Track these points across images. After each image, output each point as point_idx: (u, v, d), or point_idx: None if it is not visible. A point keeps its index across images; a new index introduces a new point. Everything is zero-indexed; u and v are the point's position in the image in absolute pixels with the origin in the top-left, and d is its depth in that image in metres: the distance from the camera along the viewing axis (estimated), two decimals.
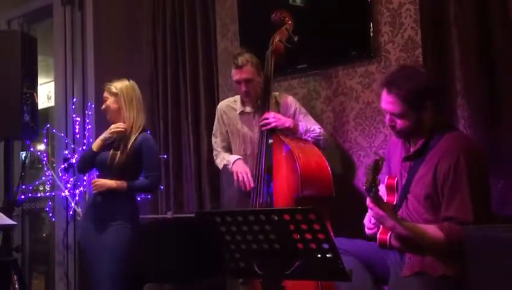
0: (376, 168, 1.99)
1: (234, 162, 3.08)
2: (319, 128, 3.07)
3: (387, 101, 2.19)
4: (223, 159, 3.19)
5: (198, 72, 4.11)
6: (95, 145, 2.99)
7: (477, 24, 2.76)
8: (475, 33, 2.77)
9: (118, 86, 3.00)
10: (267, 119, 2.93)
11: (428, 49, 2.97)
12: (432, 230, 2.05)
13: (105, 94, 3.02)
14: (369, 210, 2.14)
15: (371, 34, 3.23)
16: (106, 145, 2.98)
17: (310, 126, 3.04)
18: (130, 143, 2.92)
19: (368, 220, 2.37)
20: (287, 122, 2.95)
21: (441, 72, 2.90)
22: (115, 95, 2.99)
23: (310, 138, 3.00)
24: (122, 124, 2.97)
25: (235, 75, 3.07)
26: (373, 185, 2.00)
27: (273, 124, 2.92)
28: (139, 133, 2.97)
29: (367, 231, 2.32)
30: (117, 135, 2.96)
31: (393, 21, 3.18)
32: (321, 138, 3.03)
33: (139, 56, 4.51)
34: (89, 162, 3.01)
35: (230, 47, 3.91)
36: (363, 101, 3.30)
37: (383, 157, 2.16)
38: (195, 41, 4.13)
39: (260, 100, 3.09)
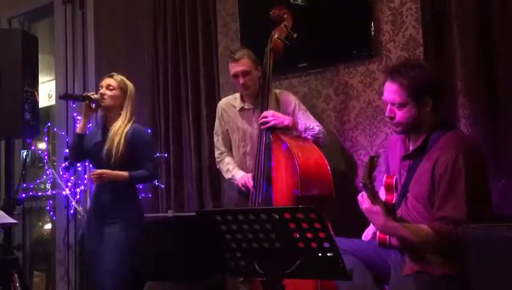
0: (372, 165, 1.99)
1: (240, 178, 3.10)
2: (318, 126, 3.06)
3: (389, 90, 2.19)
4: (227, 171, 3.21)
5: (199, 70, 4.11)
6: (78, 128, 3.00)
7: (479, 23, 2.76)
8: (476, 32, 2.77)
9: (128, 84, 3.01)
10: (265, 117, 2.93)
11: (430, 48, 2.97)
12: (423, 230, 2.05)
13: (112, 83, 2.97)
14: (360, 206, 2.14)
15: (372, 33, 3.23)
16: (98, 144, 2.96)
17: (309, 124, 3.03)
18: (123, 136, 2.89)
19: (364, 238, 2.39)
20: (286, 120, 2.94)
21: (442, 71, 2.89)
22: (124, 91, 2.98)
23: (309, 136, 3.00)
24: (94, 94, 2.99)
25: (232, 68, 3.08)
26: (369, 181, 2.00)
27: (272, 123, 2.91)
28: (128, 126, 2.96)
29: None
30: (95, 101, 2.96)
31: (395, 20, 3.18)
32: (320, 136, 3.03)
33: (139, 55, 4.50)
34: (80, 147, 3.00)
35: (231, 46, 3.90)
36: (364, 100, 3.30)
37: (379, 154, 2.17)
38: (196, 40, 4.13)
39: (259, 97, 3.08)
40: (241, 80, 3.05)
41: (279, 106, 3.13)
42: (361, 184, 2.06)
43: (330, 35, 3.39)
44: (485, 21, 2.75)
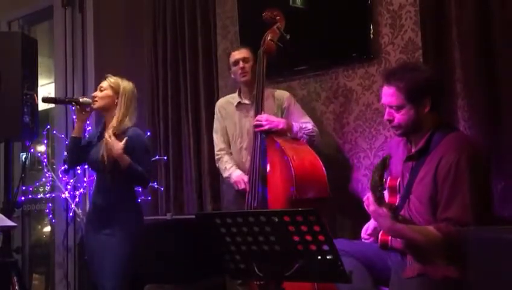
0: (383, 167, 1.99)
1: (236, 177, 3.15)
2: (311, 123, 3.11)
3: (386, 94, 2.21)
4: (225, 169, 3.24)
5: (198, 73, 4.12)
6: (73, 132, 3.00)
7: (478, 25, 2.76)
8: (475, 34, 2.77)
9: (121, 84, 2.98)
10: (260, 121, 2.94)
11: (429, 50, 2.97)
12: (430, 231, 2.05)
13: (104, 84, 2.95)
14: (367, 209, 2.13)
15: (371, 36, 3.23)
16: (94, 147, 2.95)
17: (303, 123, 3.07)
18: (118, 138, 2.87)
19: (364, 231, 2.38)
20: (280, 124, 2.96)
21: (441, 73, 2.90)
22: (116, 91, 2.97)
23: (304, 135, 3.01)
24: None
25: (233, 56, 3.22)
26: (379, 184, 2.00)
27: (266, 127, 2.93)
28: (126, 129, 2.93)
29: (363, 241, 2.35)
30: (86, 105, 2.96)
31: (394, 23, 3.18)
32: (314, 134, 3.07)
33: (139, 57, 4.51)
34: (76, 150, 2.99)
35: (231, 48, 3.90)
36: (363, 102, 3.30)
37: (390, 155, 2.16)
38: (196, 43, 4.14)
39: (255, 90, 3.09)
40: (241, 64, 3.15)
41: (275, 102, 3.17)
42: (371, 186, 2.05)
43: (329, 38, 3.39)
44: (484, 22, 2.75)
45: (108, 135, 2.82)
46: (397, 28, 3.16)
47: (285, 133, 2.98)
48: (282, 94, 3.23)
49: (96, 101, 2.94)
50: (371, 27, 3.23)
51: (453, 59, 2.89)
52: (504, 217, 2.59)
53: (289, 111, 3.16)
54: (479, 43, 2.76)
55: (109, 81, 2.96)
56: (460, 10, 2.84)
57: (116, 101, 2.94)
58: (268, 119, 2.94)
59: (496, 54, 2.72)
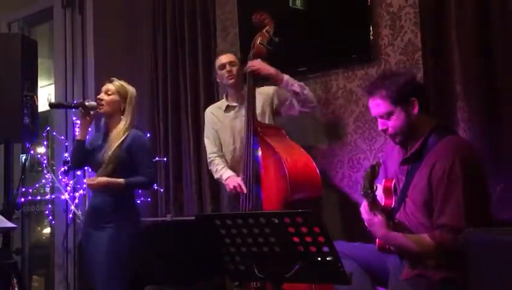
0: (373, 174, 2.01)
1: (227, 178, 3.13)
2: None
3: (373, 105, 2.25)
4: (216, 171, 3.26)
5: (198, 75, 4.12)
6: (78, 135, 3.02)
7: (478, 26, 2.76)
8: (476, 35, 2.77)
9: (128, 89, 3.00)
10: (252, 65, 2.98)
11: (428, 52, 2.97)
12: (424, 240, 2.05)
13: (111, 88, 2.97)
14: (362, 216, 2.15)
15: (371, 37, 3.23)
16: (97, 149, 2.96)
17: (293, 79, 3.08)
18: (119, 142, 2.89)
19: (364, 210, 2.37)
20: (271, 69, 3.00)
21: (440, 75, 2.90)
22: (123, 96, 2.98)
23: (296, 84, 3.00)
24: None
25: (221, 60, 3.25)
26: (370, 190, 2.01)
27: (257, 67, 2.98)
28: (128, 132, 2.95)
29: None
30: (91, 108, 2.99)
31: (393, 24, 3.18)
32: (305, 88, 3.04)
33: (139, 59, 4.51)
34: (80, 153, 3.01)
35: (231, 50, 3.91)
36: (362, 104, 3.30)
37: (380, 162, 2.18)
38: (196, 44, 4.14)
39: (241, 93, 3.15)
40: (228, 68, 3.18)
41: (261, 97, 3.18)
42: (362, 193, 2.06)
43: (329, 40, 3.39)
44: (484, 24, 2.75)
45: (90, 181, 2.90)
46: (397, 29, 3.16)
47: (275, 79, 3.01)
48: (267, 88, 3.25)
49: (103, 105, 2.95)
50: (371, 28, 3.23)
51: (452, 60, 2.89)
52: (503, 219, 2.59)
53: (278, 92, 3.17)
54: (479, 43, 2.76)
55: (116, 86, 2.98)
56: (460, 10, 2.84)
57: (122, 106, 2.96)
58: (260, 63, 2.99)
59: (496, 55, 2.72)
